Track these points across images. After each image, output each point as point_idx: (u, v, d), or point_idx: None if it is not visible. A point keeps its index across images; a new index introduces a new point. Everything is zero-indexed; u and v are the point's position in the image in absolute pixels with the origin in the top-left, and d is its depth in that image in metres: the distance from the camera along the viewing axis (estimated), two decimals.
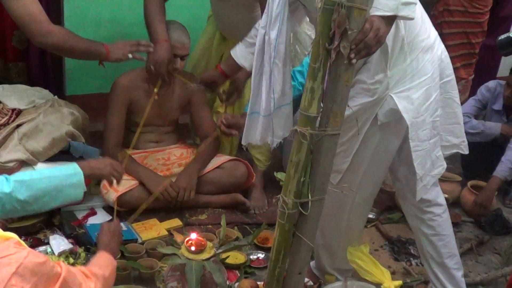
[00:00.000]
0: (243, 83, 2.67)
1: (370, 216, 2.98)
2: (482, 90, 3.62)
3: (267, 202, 3.20)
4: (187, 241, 2.31)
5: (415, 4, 1.77)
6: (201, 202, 3.09)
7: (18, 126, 2.79)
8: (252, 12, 2.86)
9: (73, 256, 2.48)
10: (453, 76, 2.21)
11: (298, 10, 2.13)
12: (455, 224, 2.41)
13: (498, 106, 3.56)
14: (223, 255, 2.47)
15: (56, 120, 2.85)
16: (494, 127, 3.48)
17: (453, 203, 3.29)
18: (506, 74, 3.58)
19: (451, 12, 3.76)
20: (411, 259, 2.83)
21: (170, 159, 3.18)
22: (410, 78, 2.01)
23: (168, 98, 3.11)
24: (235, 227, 2.95)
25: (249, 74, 2.30)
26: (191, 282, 2.19)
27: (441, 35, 2.21)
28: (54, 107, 2.92)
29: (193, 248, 2.27)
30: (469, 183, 3.39)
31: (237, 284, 2.45)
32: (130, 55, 2.72)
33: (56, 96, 3.08)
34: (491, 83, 3.62)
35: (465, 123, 2.35)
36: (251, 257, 2.70)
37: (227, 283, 2.40)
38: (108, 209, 2.97)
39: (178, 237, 2.45)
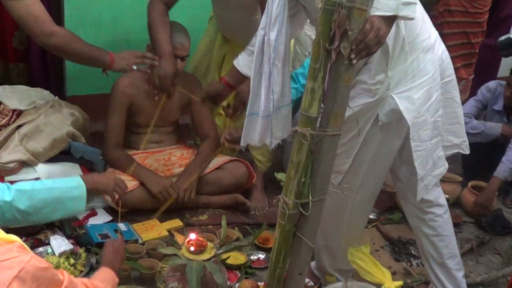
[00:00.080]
0: (248, 95, 2.64)
1: (371, 216, 2.98)
2: (483, 90, 3.62)
3: (268, 202, 3.20)
4: (188, 242, 2.31)
5: (416, 4, 1.77)
6: (202, 202, 3.09)
7: (19, 126, 2.79)
8: (253, 15, 2.85)
9: (74, 256, 2.48)
10: (454, 76, 2.21)
11: (298, 14, 2.12)
12: (455, 225, 2.41)
13: (498, 106, 3.56)
14: (224, 256, 2.47)
15: (57, 120, 2.85)
16: (495, 127, 3.48)
17: (454, 204, 3.29)
18: (507, 74, 3.58)
19: (451, 12, 3.76)
20: (412, 259, 2.83)
21: (170, 160, 3.18)
22: (411, 78, 2.01)
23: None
24: (236, 228, 2.95)
25: None
26: (192, 283, 2.19)
27: (442, 35, 2.21)
28: (55, 108, 2.92)
29: (193, 249, 2.28)
30: (470, 184, 3.39)
31: (237, 284, 2.45)
32: (134, 67, 2.69)
33: (56, 97, 3.08)
34: (491, 83, 3.62)
35: (465, 123, 2.35)
36: (252, 257, 2.70)
37: (228, 283, 2.40)
38: (109, 209, 2.97)
39: (178, 238, 2.45)
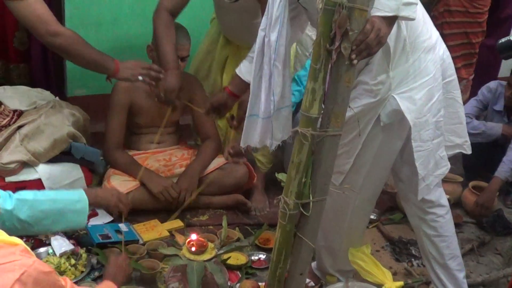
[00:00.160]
0: None
1: (371, 217, 2.98)
2: (483, 90, 3.62)
3: (268, 203, 3.19)
4: (189, 242, 2.31)
5: (416, 4, 1.77)
6: (203, 203, 3.09)
7: (20, 127, 2.79)
8: (255, 18, 2.84)
9: (75, 257, 2.48)
10: (455, 76, 2.21)
11: (299, 16, 2.12)
12: (456, 225, 2.41)
13: (499, 106, 3.56)
14: (225, 256, 2.47)
15: (57, 121, 2.85)
16: (496, 127, 3.48)
17: (455, 204, 3.29)
18: (507, 74, 3.58)
19: (451, 12, 3.76)
20: (412, 259, 2.83)
21: (171, 160, 3.18)
22: (413, 78, 2.01)
23: None
24: (236, 228, 2.95)
25: None
26: (193, 283, 2.19)
27: (442, 35, 2.21)
28: (56, 108, 2.93)
29: (194, 249, 2.28)
30: (471, 184, 3.39)
31: (238, 285, 2.45)
32: (140, 78, 2.66)
33: (57, 97, 3.08)
34: (492, 84, 3.62)
35: (466, 123, 2.35)
36: (253, 258, 2.70)
37: (229, 284, 2.40)
38: None
39: (179, 238, 2.45)
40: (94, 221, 2.85)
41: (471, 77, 3.95)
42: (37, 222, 2.01)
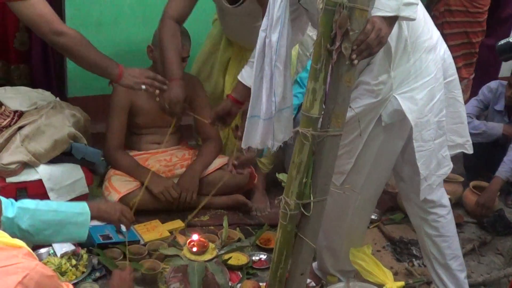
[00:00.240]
0: None
1: (372, 217, 2.98)
2: (484, 90, 3.62)
3: (269, 203, 3.19)
4: (189, 242, 2.31)
5: (417, 4, 1.77)
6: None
7: (20, 128, 2.79)
8: (257, 21, 2.82)
9: (76, 257, 2.48)
10: (456, 76, 2.21)
11: (299, 18, 2.12)
12: (457, 225, 2.41)
13: (500, 106, 3.56)
14: (225, 256, 2.48)
15: (58, 122, 2.85)
16: (496, 127, 3.48)
17: (455, 204, 3.29)
18: (508, 74, 3.57)
19: (452, 12, 3.77)
20: (413, 260, 2.83)
21: (172, 161, 3.18)
22: (414, 78, 2.01)
23: None
24: (237, 228, 2.95)
25: None
26: (194, 283, 2.19)
27: (442, 35, 2.21)
28: (56, 109, 2.92)
29: (195, 249, 2.28)
30: (471, 184, 3.38)
31: (239, 285, 2.46)
32: (143, 87, 2.63)
33: (58, 98, 3.08)
34: (493, 84, 3.61)
35: (467, 123, 2.35)
36: (253, 258, 2.70)
37: (229, 284, 2.40)
38: None
39: (180, 239, 2.45)
40: (95, 222, 2.84)
41: (472, 76, 3.96)
42: (38, 232, 2.00)
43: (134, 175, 3.00)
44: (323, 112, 1.69)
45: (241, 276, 2.57)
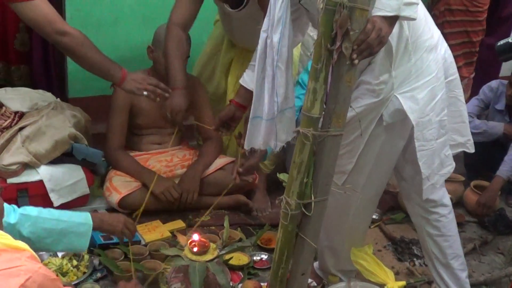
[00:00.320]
0: None
1: (374, 216, 2.97)
2: (485, 89, 3.62)
3: (270, 204, 3.19)
4: (190, 243, 2.31)
5: (417, 4, 1.77)
6: (204, 203, 3.09)
7: (21, 129, 2.80)
8: (259, 24, 2.83)
9: (77, 258, 2.48)
10: (457, 75, 2.21)
11: (300, 18, 2.11)
12: (458, 224, 2.40)
13: (500, 105, 3.55)
14: (226, 256, 2.47)
15: (59, 122, 2.85)
16: (497, 126, 3.48)
17: (456, 203, 3.28)
18: (508, 73, 3.57)
19: (452, 11, 3.77)
20: (415, 259, 2.83)
21: (173, 161, 3.18)
22: (415, 78, 2.01)
23: None
24: (238, 228, 2.95)
25: None
26: (195, 284, 2.19)
27: (443, 34, 2.21)
28: (57, 110, 2.93)
29: (196, 250, 2.28)
30: (472, 183, 3.38)
31: (240, 285, 2.45)
32: (145, 93, 2.63)
33: (58, 99, 3.08)
34: (493, 83, 3.61)
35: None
36: (255, 258, 2.70)
37: (231, 284, 2.39)
38: (111, 211, 2.97)
39: (181, 239, 2.45)
40: None
41: (472, 75, 3.96)
42: (39, 240, 2.00)
43: (135, 175, 3.01)
44: (323, 112, 1.69)
45: (242, 276, 2.57)
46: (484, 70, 4.05)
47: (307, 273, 1.87)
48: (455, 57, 2.28)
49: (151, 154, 3.19)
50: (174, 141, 3.25)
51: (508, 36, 3.23)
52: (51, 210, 2.14)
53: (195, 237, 2.32)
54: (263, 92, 2.02)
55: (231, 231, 2.78)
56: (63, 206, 2.83)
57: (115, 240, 2.62)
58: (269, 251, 2.71)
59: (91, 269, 2.47)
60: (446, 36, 2.76)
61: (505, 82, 3.53)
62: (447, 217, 2.30)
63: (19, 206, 2.60)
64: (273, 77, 1.97)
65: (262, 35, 1.99)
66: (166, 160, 3.18)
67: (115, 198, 2.90)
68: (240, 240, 2.81)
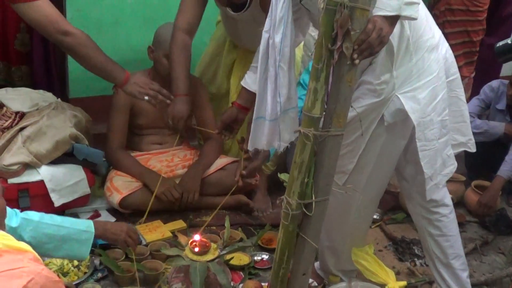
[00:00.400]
0: None
1: (374, 216, 2.97)
2: (486, 89, 3.62)
3: (271, 204, 3.19)
4: (191, 243, 2.31)
5: (418, 4, 1.77)
6: (205, 203, 3.09)
7: (22, 129, 2.80)
8: (261, 26, 2.82)
9: None
10: (458, 75, 2.21)
11: (301, 18, 2.11)
12: (459, 224, 2.40)
13: (501, 105, 3.55)
14: (227, 256, 2.48)
15: (60, 122, 2.85)
16: (498, 126, 3.48)
17: (457, 203, 3.28)
18: (509, 73, 3.57)
19: (453, 11, 3.77)
20: (416, 259, 2.83)
21: (173, 161, 3.18)
22: (416, 78, 2.01)
23: None
24: (239, 228, 2.95)
25: None
26: (195, 284, 2.19)
27: (443, 34, 2.21)
28: (58, 110, 2.93)
29: (197, 250, 2.28)
30: (473, 183, 3.38)
31: (241, 285, 2.45)
32: (146, 98, 2.62)
33: (59, 99, 3.08)
34: (494, 83, 3.61)
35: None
36: (255, 258, 2.70)
37: (232, 284, 2.40)
38: (112, 211, 2.98)
39: (182, 239, 2.45)
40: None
41: (472, 75, 3.96)
42: (39, 245, 2.00)
43: (136, 175, 3.01)
44: (324, 112, 1.69)
45: (243, 276, 2.57)
46: (484, 69, 4.05)
47: (308, 273, 1.87)
48: (455, 56, 2.28)
49: (151, 154, 3.19)
50: (175, 141, 3.25)
51: (508, 36, 3.23)
52: (54, 216, 2.14)
53: (196, 237, 2.32)
54: (266, 92, 2.02)
55: (232, 231, 2.78)
56: (63, 206, 2.84)
57: None
58: (270, 251, 2.71)
59: (92, 269, 2.47)
60: (446, 35, 2.76)
61: (506, 82, 3.53)
62: (448, 217, 2.29)
63: (20, 206, 2.62)
64: (276, 78, 1.97)
65: (264, 35, 1.99)
66: (166, 160, 3.18)
67: (116, 198, 2.91)
68: (241, 240, 2.81)
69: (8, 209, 1.91)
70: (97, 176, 3.06)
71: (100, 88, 3.47)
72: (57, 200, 2.79)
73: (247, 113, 2.38)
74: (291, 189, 1.74)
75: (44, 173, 2.78)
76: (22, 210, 2.08)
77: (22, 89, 3.09)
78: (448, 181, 2.31)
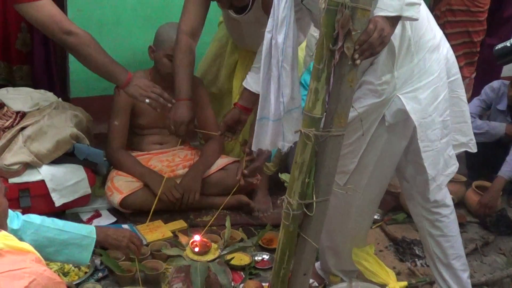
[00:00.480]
0: None
1: (375, 217, 2.98)
2: (487, 90, 3.61)
3: (272, 204, 3.19)
4: (192, 243, 2.31)
5: (420, 4, 1.77)
6: (206, 203, 3.09)
7: (23, 128, 2.80)
8: (263, 27, 2.82)
9: None
10: (459, 75, 2.21)
11: (302, 18, 2.11)
12: (460, 225, 2.40)
13: (502, 106, 3.55)
14: (228, 256, 2.47)
15: (60, 122, 2.85)
16: (499, 127, 3.48)
17: (458, 204, 3.27)
18: (510, 74, 3.56)
19: (453, 11, 3.77)
20: (416, 259, 2.82)
21: (174, 161, 3.18)
22: (418, 78, 2.01)
23: None
24: (240, 229, 2.95)
25: None
26: (196, 284, 2.19)
27: (444, 35, 2.21)
28: (58, 110, 2.93)
29: (197, 250, 2.28)
30: (474, 184, 3.38)
31: (242, 285, 2.46)
32: (147, 100, 2.61)
33: (60, 99, 3.09)
34: (495, 83, 3.61)
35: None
36: (256, 258, 2.70)
37: (232, 284, 2.40)
38: (113, 211, 2.98)
39: (182, 239, 2.45)
40: (97, 222, 2.86)
41: (473, 75, 3.96)
42: (40, 249, 1.97)
43: (137, 175, 3.01)
44: (325, 112, 1.69)
45: (243, 276, 2.57)
46: (485, 70, 4.05)
47: (308, 273, 1.87)
48: (456, 57, 2.28)
49: (152, 154, 3.19)
50: (176, 141, 3.25)
51: (509, 36, 3.23)
52: (55, 219, 2.13)
53: (197, 237, 2.32)
54: (269, 93, 2.02)
55: (233, 231, 2.78)
56: (64, 206, 2.84)
57: None
58: (271, 251, 2.71)
59: (93, 269, 2.47)
60: (447, 36, 2.76)
61: (507, 82, 3.53)
62: (449, 217, 2.29)
63: (20, 206, 2.62)
64: (279, 78, 1.97)
65: (267, 35, 1.99)
66: (167, 160, 3.18)
67: (116, 198, 2.91)
68: (242, 240, 2.81)
69: (10, 211, 1.91)
70: (98, 176, 3.06)
71: (101, 88, 3.47)
72: (58, 200, 2.80)
73: (249, 113, 2.38)
74: (292, 189, 1.74)
75: (45, 172, 2.78)
76: (23, 209, 2.08)
77: (23, 88, 3.09)
78: (449, 182, 2.32)
